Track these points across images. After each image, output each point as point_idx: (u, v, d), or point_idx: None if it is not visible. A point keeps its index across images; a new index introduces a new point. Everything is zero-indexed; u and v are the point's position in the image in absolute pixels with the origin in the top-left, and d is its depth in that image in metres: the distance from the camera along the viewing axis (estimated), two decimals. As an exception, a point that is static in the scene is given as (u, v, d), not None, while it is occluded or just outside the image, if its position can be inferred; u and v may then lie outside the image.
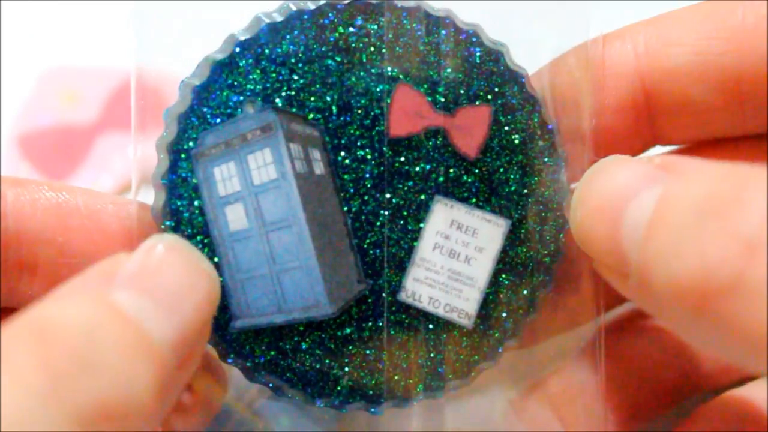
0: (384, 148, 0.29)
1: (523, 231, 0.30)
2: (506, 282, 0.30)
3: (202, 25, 0.31)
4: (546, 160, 0.30)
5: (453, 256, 0.29)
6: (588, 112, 0.30)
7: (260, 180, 0.29)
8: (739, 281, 0.22)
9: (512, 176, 0.29)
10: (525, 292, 0.30)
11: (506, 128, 0.29)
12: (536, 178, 0.29)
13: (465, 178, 0.29)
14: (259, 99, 0.29)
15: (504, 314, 0.30)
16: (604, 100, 0.31)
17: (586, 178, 0.28)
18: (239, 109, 0.29)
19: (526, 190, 0.29)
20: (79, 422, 0.21)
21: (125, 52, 0.47)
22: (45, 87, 0.49)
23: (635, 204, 0.25)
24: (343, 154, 0.29)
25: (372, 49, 0.29)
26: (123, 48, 0.47)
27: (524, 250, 0.30)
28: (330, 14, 0.29)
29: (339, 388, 0.30)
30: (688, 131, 0.32)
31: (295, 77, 0.29)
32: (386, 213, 0.29)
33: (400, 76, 0.29)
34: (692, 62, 0.30)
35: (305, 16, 0.29)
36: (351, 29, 0.29)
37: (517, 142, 0.29)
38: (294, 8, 0.29)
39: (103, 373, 0.21)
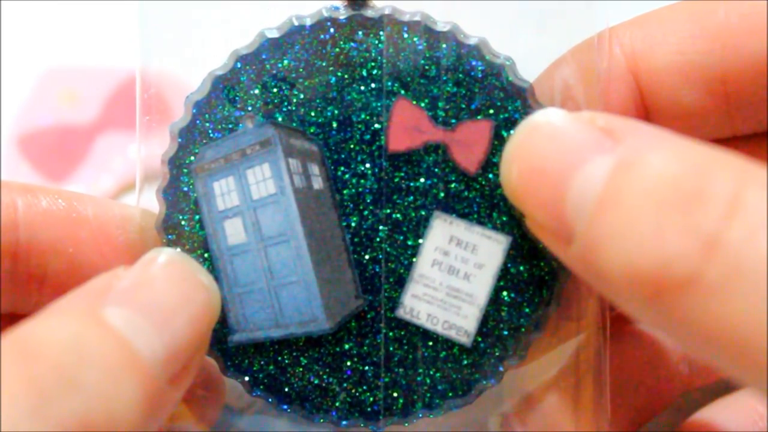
0: (383, 163, 0.31)
1: (525, 248, 0.31)
2: (507, 299, 0.31)
3: (207, 27, 0.33)
4: None
5: (452, 273, 0.31)
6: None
7: (259, 194, 0.31)
8: (696, 278, 0.23)
9: None
10: (527, 310, 0.32)
11: None
12: None
13: (465, 193, 0.31)
14: (260, 114, 0.31)
15: (505, 332, 0.32)
16: (607, 106, 0.32)
17: (523, 131, 0.29)
18: (240, 124, 0.31)
19: None
20: None
21: (126, 53, 0.50)
22: (45, 87, 0.51)
23: (583, 174, 0.26)
24: (342, 169, 0.31)
25: (372, 63, 0.31)
26: (123, 48, 0.50)
27: (526, 267, 0.31)
28: (331, 29, 0.31)
29: (337, 404, 0.32)
30: (681, 132, 0.34)
31: (296, 92, 0.31)
32: (385, 228, 0.31)
33: (401, 91, 0.31)
34: (677, 62, 0.32)
35: (306, 31, 0.31)
36: (351, 44, 0.31)
37: None
38: (296, 23, 0.31)
39: (87, 390, 0.23)
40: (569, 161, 0.27)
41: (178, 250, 0.31)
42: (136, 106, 0.32)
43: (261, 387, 0.32)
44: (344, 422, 0.32)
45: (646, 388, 0.36)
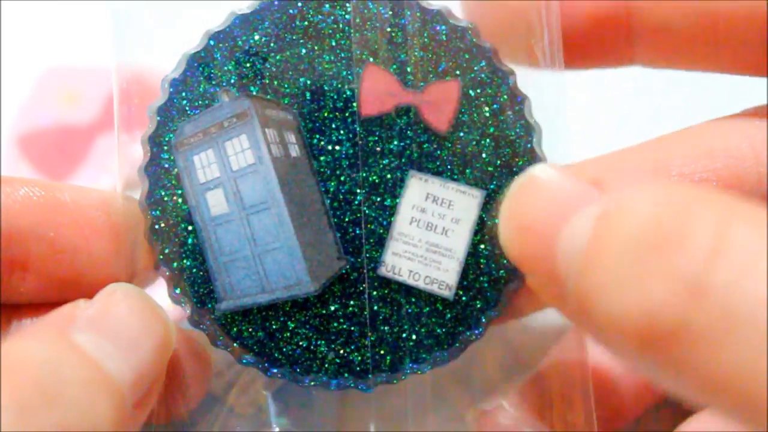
0: (357, 128, 0.32)
1: (499, 201, 0.33)
2: (485, 252, 0.33)
3: (182, 21, 0.35)
4: (518, 130, 0.33)
5: (430, 229, 0.33)
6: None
7: (238, 165, 0.32)
8: (684, 326, 0.22)
9: (485, 148, 0.33)
10: (505, 261, 0.33)
11: (476, 102, 0.33)
12: (509, 149, 0.33)
13: (438, 152, 0.33)
14: (235, 88, 0.32)
15: (486, 284, 0.33)
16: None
17: (514, 191, 0.29)
18: (216, 100, 0.32)
19: (499, 161, 0.33)
20: None
21: (112, 51, 0.51)
22: (45, 87, 0.52)
23: (570, 228, 0.26)
24: (318, 136, 0.32)
25: (340, 34, 0.32)
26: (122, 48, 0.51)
27: None
28: (298, 3, 0.32)
29: (326, 365, 0.33)
30: (664, 57, 0.35)
31: (269, 66, 0.32)
32: (363, 191, 0.33)
33: (369, 58, 0.32)
34: None
35: (274, 7, 0.32)
36: (319, 17, 0.32)
37: (487, 114, 0.33)
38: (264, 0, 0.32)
39: (66, 405, 0.25)
40: (556, 216, 0.27)
41: (133, 285, 0.32)
42: (114, 103, 0.33)
43: (251, 353, 0.33)
44: (334, 382, 0.33)
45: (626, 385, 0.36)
